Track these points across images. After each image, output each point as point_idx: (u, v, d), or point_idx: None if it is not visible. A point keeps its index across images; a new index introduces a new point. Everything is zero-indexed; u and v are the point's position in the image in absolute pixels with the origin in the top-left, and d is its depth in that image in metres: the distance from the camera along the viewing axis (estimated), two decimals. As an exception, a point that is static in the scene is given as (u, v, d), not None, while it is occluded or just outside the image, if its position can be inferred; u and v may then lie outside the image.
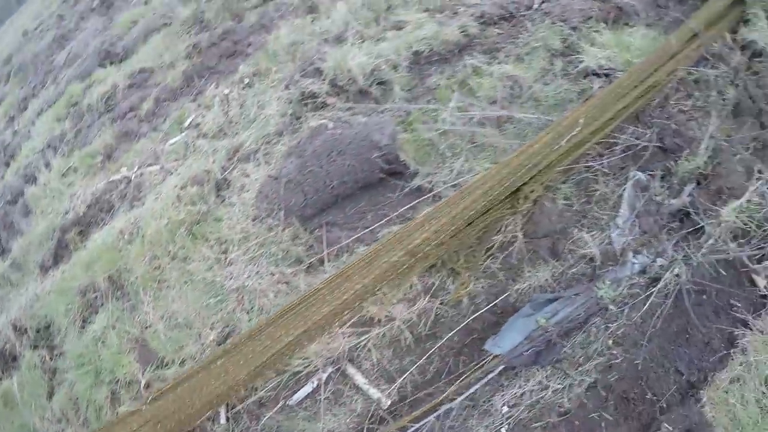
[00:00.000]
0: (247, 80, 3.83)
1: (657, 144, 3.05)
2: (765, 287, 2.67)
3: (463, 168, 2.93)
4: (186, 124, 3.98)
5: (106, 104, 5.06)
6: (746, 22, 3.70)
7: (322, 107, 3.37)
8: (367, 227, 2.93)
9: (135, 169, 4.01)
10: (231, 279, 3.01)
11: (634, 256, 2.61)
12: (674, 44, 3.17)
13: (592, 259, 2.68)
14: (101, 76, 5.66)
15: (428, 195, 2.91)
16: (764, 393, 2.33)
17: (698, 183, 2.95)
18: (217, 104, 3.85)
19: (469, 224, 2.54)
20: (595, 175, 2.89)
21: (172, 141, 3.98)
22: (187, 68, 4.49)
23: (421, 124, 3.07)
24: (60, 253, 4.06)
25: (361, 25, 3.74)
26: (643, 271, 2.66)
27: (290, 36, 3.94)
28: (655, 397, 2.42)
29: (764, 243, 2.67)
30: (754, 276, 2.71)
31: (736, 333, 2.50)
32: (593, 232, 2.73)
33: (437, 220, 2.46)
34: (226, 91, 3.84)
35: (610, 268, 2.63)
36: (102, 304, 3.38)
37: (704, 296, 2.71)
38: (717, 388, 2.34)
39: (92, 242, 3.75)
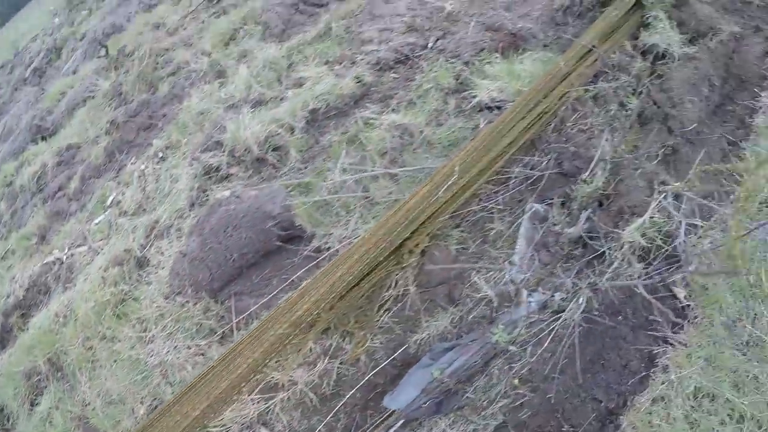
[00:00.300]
0: (161, 154, 3.90)
1: (555, 170, 2.98)
2: (685, 297, 2.55)
3: (358, 225, 2.90)
4: (108, 202, 4.07)
5: (38, 184, 5.19)
6: (646, 26, 3.65)
7: (225, 178, 3.40)
8: (273, 293, 2.98)
9: (66, 251, 4.11)
10: (152, 355, 3.14)
11: (529, 295, 2.52)
12: (563, 66, 3.12)
13: (491, 301, 2.60)
14: (32, 153, 5.84)
15: (326, 255, 2.90)
16: (693, 407, 2.20)
17: (600, 204, 2.85)
18: (136, 180, 3.92)
19: (353, 287, 2.50)
20: (491, 213, 2.82)
21: (96, 220, 4.06)
22: (108, 144, 4.58)
23: (314, 186, 3.07)
24: (5, 338, 4.20)
25: (264, 87, 3.80)
26: (544, 306, 2.56)
27: (200, 105, 4.02)
28: (572, 429, 2.32)
29: (670, 263, 2.56)
30: (673, 288, 2.59)
31: (656, 351, 2.39)
32: (490, 273, 2.65)
33: (316, 290, 2.43)
34: (143, 167, 3.92)
35: (506, 309, 2.54)
36: (45, 386, 3.55)
37: (619, 317, 2.59)
38: (638, 411, 2.24)
39: (32, 326, 3.90)
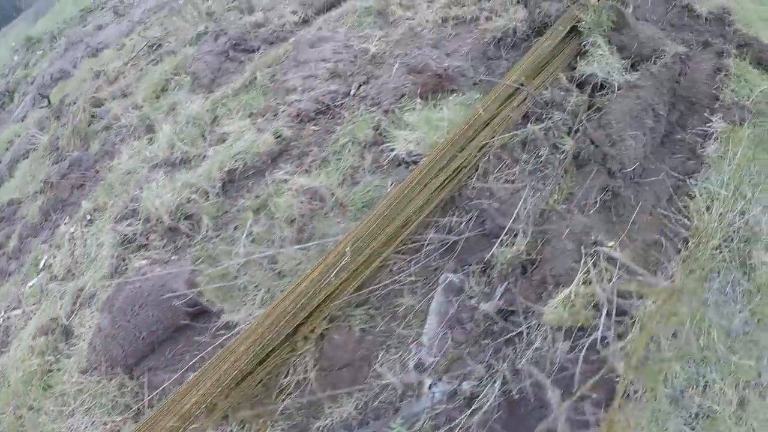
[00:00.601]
0: (89, 217, 3.76)
1: (476, 231, 2.72)
2: (624, 372, 2.28)
3: (265, 299, 2.71)
4: (41, 265, 3.96)
5: (-20, 241, 5.07)
6: (584, 54, 3.36)
7: (143, 246, 3.25)
8: (185, 368, 2.84)
9: (2, 313, 4.02)
10: (72, 431, 3.07)
11: (433, 385, 2.28)
12: (482, 112, 2.86)
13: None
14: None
15: (235, 330, 2.73)
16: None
17: (524, 271, 2.57)
18: (66, 243, 3.79)
19: (247, 375, 2.32)
20: (402, 286, 2.59)
21: (30, 283, 3.93)
22: (43, 203, 4.47)
23: (222, 259, 2.88)
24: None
25: (187, 144, 3.62)
26: (453, 395, 2.32)
27: (128, 163, 3.89)
28: None
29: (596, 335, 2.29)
30: (609, 361, 2.32)
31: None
32: (399, 354, 2.41)
33: (203, 383, 2.25)
34: (72, 229, 3.80)
35: (409, 399, 2.31)
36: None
37: (542, 406, 2.35)
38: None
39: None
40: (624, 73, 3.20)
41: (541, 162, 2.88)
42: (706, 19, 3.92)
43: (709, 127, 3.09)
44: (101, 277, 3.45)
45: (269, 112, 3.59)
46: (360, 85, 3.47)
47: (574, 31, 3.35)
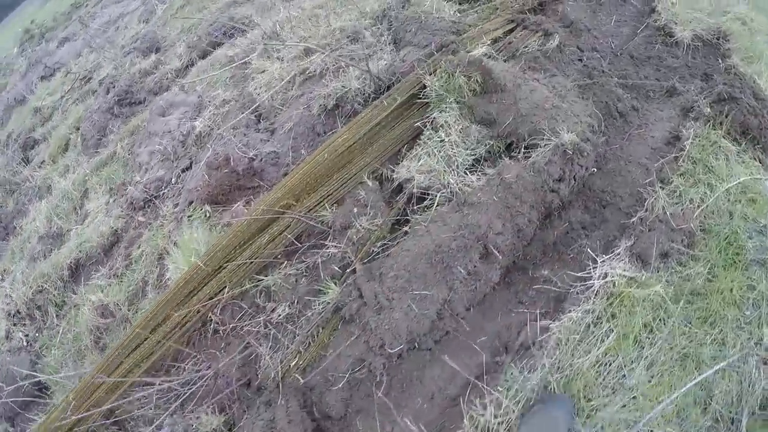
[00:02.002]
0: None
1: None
2: None
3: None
4: None
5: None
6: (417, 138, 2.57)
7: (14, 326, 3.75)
8: None
9: None
10: None
11: None
12: (203, 265, 2.44)
13: None
14: None
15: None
16: None
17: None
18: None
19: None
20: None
21: None
22: None
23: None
24: None
25: (62, 219, 3.94)
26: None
27: (27, 227, 4.16)
28: None
29: None
30: None
31: None
32: None
33: None
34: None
35: None
36: None
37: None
38: None
39: None
40: (465, 175, 2.33)
41: (293, 313, 2.42)
42: (687, 47, 3.18)
43: (594, 271, 2.07)
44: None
45: (121, 191, 3.72)
46: (182, 172, 3.40)
47: (415, 101, 2.61)
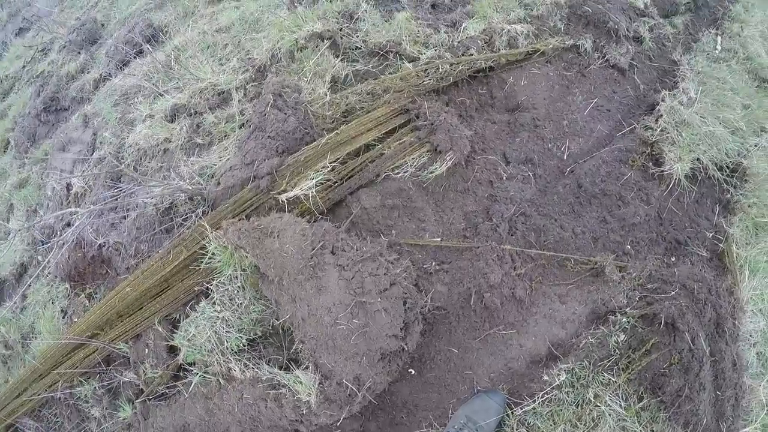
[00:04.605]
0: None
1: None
2: None
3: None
4: None
5: None
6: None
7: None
8: None
9: None
10: None
11: None
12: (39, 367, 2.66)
13: None
14: None
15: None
16: None
17: None
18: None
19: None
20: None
21: None
22: None
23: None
24: None
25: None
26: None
27: None
28: None
29: None
30: None
31: None
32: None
33: None
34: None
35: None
36: None
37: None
38: None
39: None
40: (233, 360, 2.15)
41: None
42: (671, 189, 2.60)
43: None
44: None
45: (31, 219, 3.98)
46: (64, 227, 3.53)
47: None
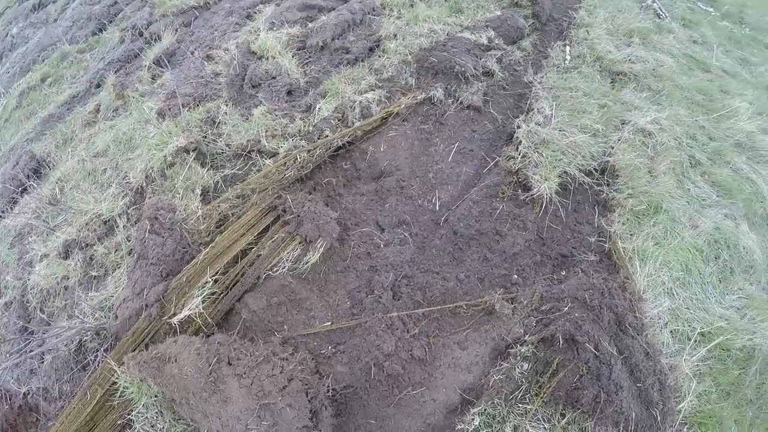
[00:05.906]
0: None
1: None
2: None
3: None
4: None
5: None
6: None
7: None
8: None
9: None
10: None
11: None
12: None
13: None
14: None
15: None
16: None
17: None
18: None
19: None
20: None
21: None
22: None
23: None
24: None
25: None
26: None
27: None
28: None
29: None
30: None
31: None
32: None
33: None
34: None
35: None
36: None
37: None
38: None
39: None
40: None
41: None
42: (545, 208, 2.71)
43: None
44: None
45: None
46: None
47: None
